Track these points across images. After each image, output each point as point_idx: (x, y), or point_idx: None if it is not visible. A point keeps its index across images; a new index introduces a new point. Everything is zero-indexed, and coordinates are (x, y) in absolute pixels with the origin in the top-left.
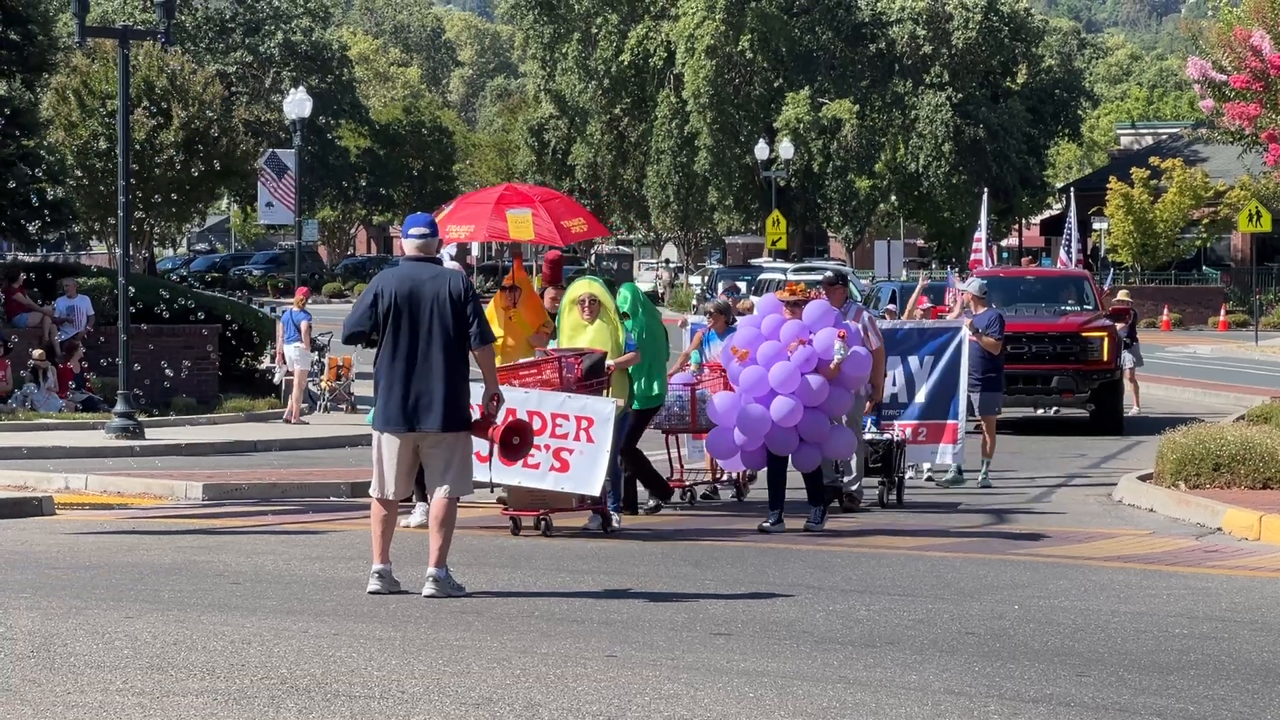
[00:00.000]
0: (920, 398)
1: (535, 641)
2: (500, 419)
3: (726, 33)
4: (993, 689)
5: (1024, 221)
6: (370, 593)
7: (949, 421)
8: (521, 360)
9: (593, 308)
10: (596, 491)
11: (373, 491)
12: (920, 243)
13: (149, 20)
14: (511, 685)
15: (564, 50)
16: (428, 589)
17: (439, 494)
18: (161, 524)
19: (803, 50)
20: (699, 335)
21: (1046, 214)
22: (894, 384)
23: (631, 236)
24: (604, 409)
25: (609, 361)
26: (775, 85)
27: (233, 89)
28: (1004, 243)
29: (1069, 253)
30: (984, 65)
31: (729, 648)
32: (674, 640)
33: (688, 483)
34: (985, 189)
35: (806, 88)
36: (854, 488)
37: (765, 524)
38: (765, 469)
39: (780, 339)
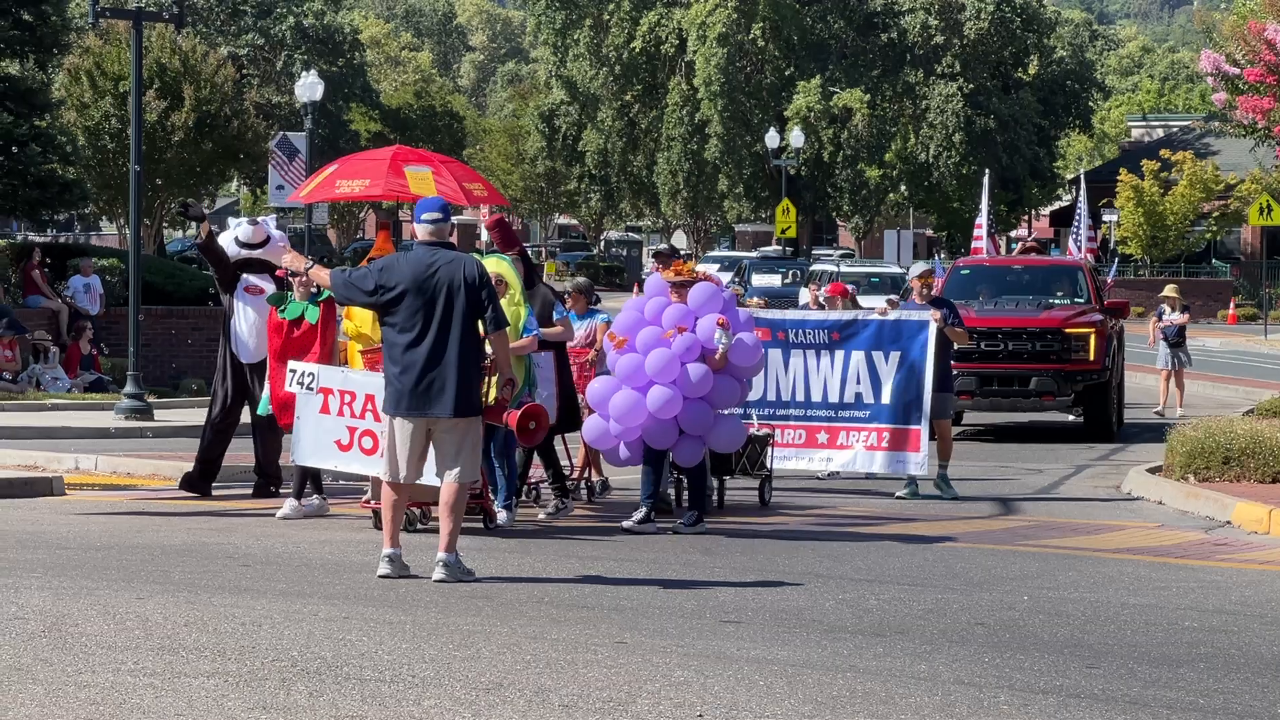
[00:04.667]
0: (885, 399)
1: (545, 627)
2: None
3: (738, 21)
4: (1003, 680)
5: (1034, 213)
6: (380, 576)
7: (912, 427)
8: (358, 346)
9: (499, 288)
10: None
11: (383, 475)
12: (929, 233)
13: (161, 2)
14: (521, 670)
15: (576, 36)
16: (437, 574)
17: (449, 479)
18: (171, 505)
19: (814, 39)
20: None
21: (1056, 205)
22: (857, 382)
23: (641, 223)
24: None
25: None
26: (786, 74)
27: (244, 72)
28: (1013, 234)
29: (1078, 243)
30: (995, 56)
31: (739, 635)
32: (684, 627)
33: (533, 480)
34: (987, 172)
35: (817, 76)
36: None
37: (628, 522)
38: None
39: (662, 325)
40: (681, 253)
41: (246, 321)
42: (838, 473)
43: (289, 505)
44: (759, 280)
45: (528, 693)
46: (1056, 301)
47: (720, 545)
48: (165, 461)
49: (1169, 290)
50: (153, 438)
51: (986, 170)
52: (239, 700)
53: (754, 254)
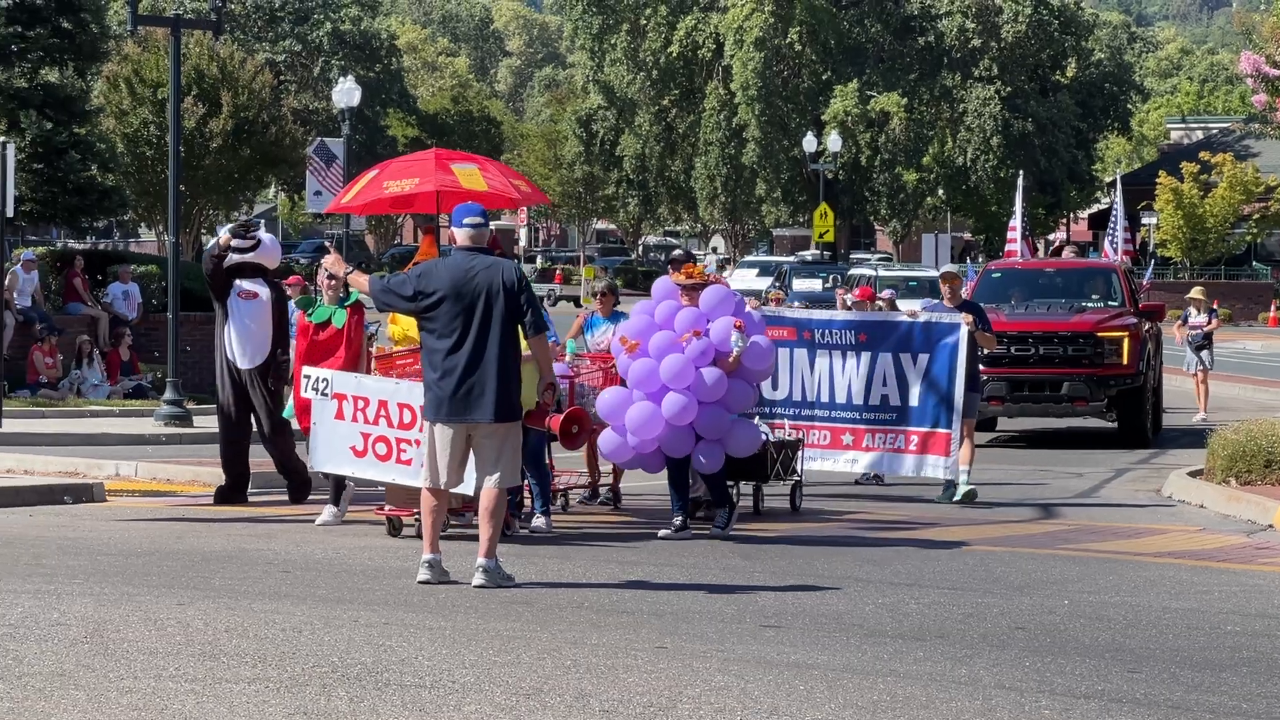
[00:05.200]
0: (913, 401)
1: (585, 632)
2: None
3: (775, 25)
4: (1044, 684)
5: (1072, 216)
6: (420, 582)
7: (940, 430)
8: (398, 349)
9: None
10: (469, 489)
11: (424, 481)
12: (968, 236)
13: (200, 9)
14: (562, 676)
15: (613, 41)
16: (477, 579)
17: (488, 484)
18: (211, 511)
19: (851, 43)
20: (579, 320)
21: (1095, 208)
22: (884, 384)
23: (679, 228)
24: None
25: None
26: (823, 78)
27: (281, 78)
28: (1051, 237)
29: (1114, 246)
30: (1033, 59)
31: (779, 640)
32: (724, 632)
33: (561, 486)
34: (1020, 173)
35: (855, 80)
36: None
37: (665, 531)
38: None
39: (675, 329)
40: (720, 257)
41: (240, 327)
42: (881, 477)
43: (328, 511)
44: (800, 285)
45: (568, 698)
46: (1089, 305)
47: (759, 550)
48: (205, 468)
49: (1195, 293)
50: (190, 443)
51: (1020, 171)
52: (280, 706)
53: (793, 258)
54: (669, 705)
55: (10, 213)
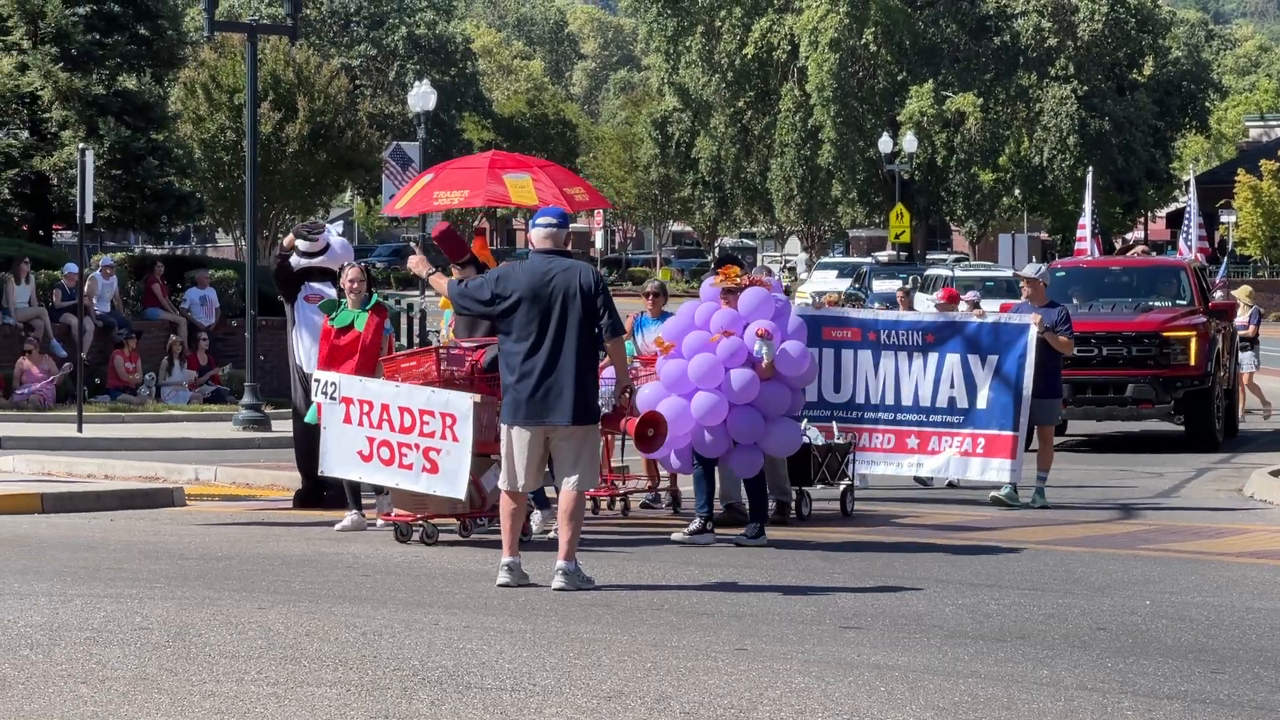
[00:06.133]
0: (981, 404)
1: (665, 634)
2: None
3: (850, 26)
4: (1126, 685)
5: (1149, 215)
6: (500, 585)
7: (1007, 433)
8: (400, 352)
9: None
10: (461, 494)
11: (502, 484)
12: (1044, 236)
13: (276, 14)
14: (642, 678)
15: (687, 44)
16: (557, 582)
17: (567, 486)
18: (290, 515)
19: (926, 43)
20: (629, 321)
21: (1173, 207)
22: (951, 386)
23: (755, 229)
24: (464, 404)
25: None
26: (899, 78)
27: (357, 82)
28: (1129, 235)
29: (1188, 244)
30: (1110, 57)
31: (859, 641)
32: (804, 633)
33: (620, 490)
34: (1089, 169)
35: (930, 81)
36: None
37: (679, 534)
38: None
39: (710, 329)
40: (791, 259)
41: (308, 330)
42: (956, 482)
43: (349, 517)
44: (880, 286)
45: (648, 700)
46: (1156, 304)
47: (838, 552)
48: (283, 472)
49: (1240, 293)
50: (268, 447)
51: (1089, 168)
52: (361, 709)
53: (870, 260)
54: (749, 707)
55: (90, 219)
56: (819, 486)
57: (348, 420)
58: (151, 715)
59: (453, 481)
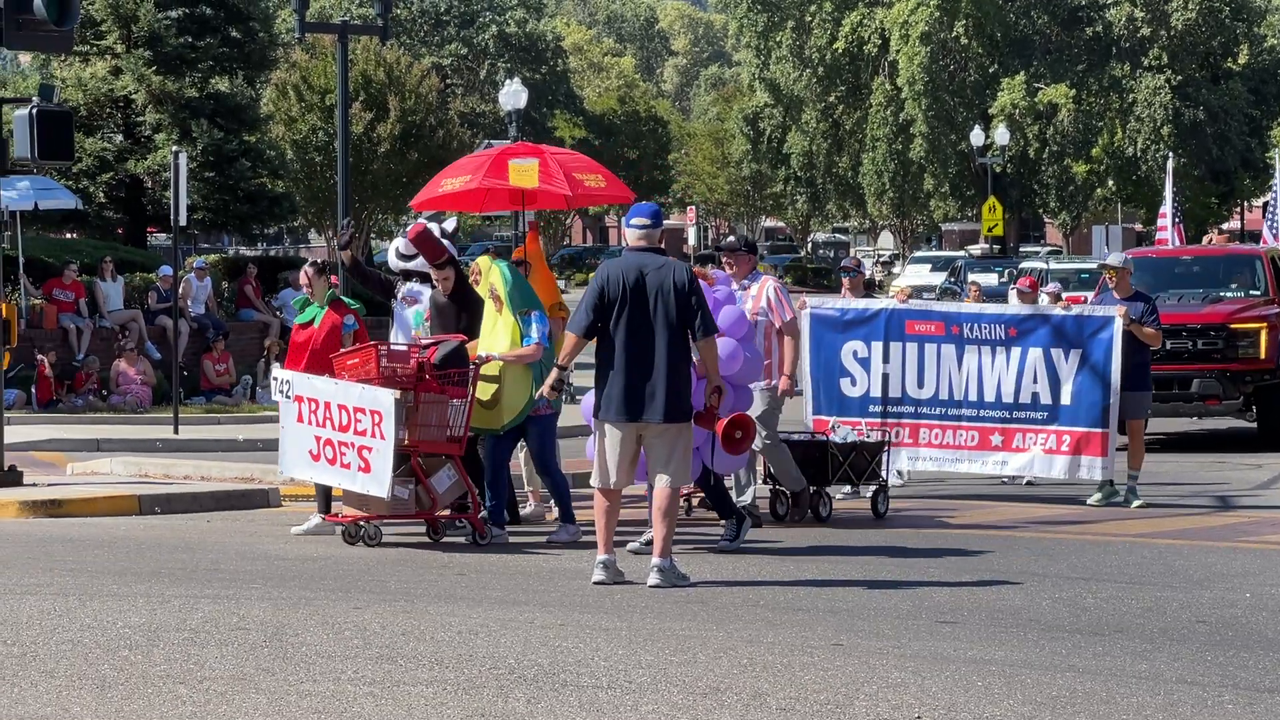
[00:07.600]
0: (1065, 399)
1: (761, 631)
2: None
3: (941, 19)
4: (1226, 679)
5: (1245, 204)
6: (595, 583)
7: (1098, 430)
8: (345, 349)
9: (494, 302)
10: (384, 493)
11: (595, 482)
12: (1139, 227)
13: (366, 15)
14: (738, 675)
15: (778, 39)
16: (652, 579)
17: (660, 484)
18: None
19: (1018, 35)
20: None
21: (1269, 196)
22: (1034, 381)
23: (848, 224)
24: (387, 400)
25: (498, 354)
26: (990, 71)
27: (448, 81)
28: (1225, 226)
29: (1274, 232)
30: (1204, 46)
31: (955, 636)
32: (900, 629)
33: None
34: (1170, 159)
35: (1022, 73)
36: (747, 500)
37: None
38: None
39: None
40: (879, 259)
41: (402, 331)
42: (1032, 481)
43: (313, 520)
44: (975, 279)
45: (745, 696)
46: (1227, 294)
47: (932, 544)
48: None
49: None
50: None
51: (1170, 155)
52: (458, 707)
53: (963, 253)
54: (846, 703)
55: (184, 221)
56: (847, 488)
57: (300, 419)
58: (249, 715)
59: (380, 480)
